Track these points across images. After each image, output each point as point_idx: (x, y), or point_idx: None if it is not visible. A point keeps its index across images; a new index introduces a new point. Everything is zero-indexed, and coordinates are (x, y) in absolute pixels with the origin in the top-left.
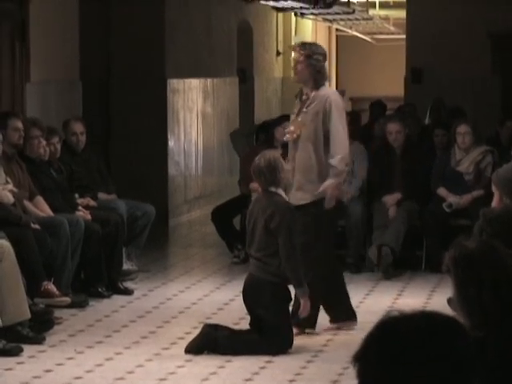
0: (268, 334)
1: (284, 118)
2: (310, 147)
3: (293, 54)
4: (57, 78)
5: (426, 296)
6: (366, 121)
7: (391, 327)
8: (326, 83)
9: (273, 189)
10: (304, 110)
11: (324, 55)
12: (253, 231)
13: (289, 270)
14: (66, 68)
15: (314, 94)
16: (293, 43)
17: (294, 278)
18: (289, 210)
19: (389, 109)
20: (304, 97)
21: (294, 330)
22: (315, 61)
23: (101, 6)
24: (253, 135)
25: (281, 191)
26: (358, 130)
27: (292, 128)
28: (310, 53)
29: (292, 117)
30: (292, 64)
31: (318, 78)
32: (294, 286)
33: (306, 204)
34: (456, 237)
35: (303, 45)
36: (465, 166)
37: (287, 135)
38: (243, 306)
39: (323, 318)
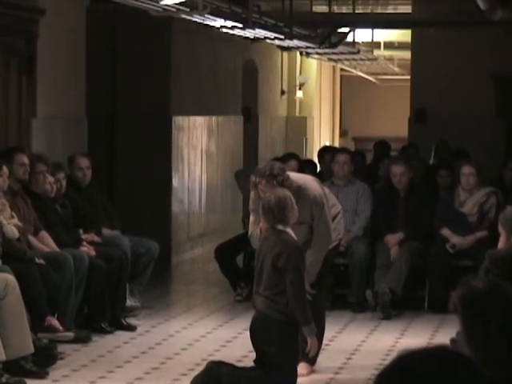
0: (272, 371)
1: (289, 157)
2: (305, 227)
3: (261, 186)
4: (63, 114)
5: (429, 336)
6: (369, 161)
7: (403, 364)
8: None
9: (280, 227)
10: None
11: (283, 170)
12: (261, 269)
13: (296, 309)
14: (72, 104)
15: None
16: (298, 82)
17: (301, 316)
18: (296, 249)
19: (393, 149)
20: None
21: (305, 370)
22: (287, 183)
23: (108, 44)
24: None
25: (289, 230)
26: (363, 170)
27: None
28: (281, 180)
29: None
30: (263, 194)
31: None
32: (301, 325)
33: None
34: (459, 277)
35: (271, 175)
36: (469, 207)
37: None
38: (246, 343)
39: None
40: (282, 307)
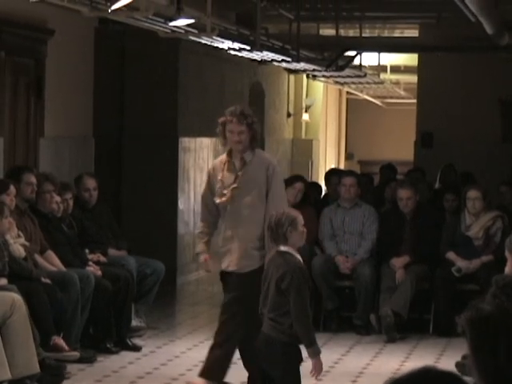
0: None
1: (296, 179)
2: (256, 215)
3: (231, 124)
4: (70, 134)
5: (434, 360)
6: (375, 184)
7: None
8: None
9: (284, 248)
10: (239, 173)
11: (253, 114)
12: (267, 291)
13: (299, 330)
14: (79, 124)
15: (251, 158)
16: (304, 104)
17: (305, 337)
18: (299, 270)
19: (399, 173)
20: (239, 162)
21: None
22: (255, 129)
23: (116, 65)
24: None
25: (293, 251)
26: (369, 193)
27: (226, 192)
28: (251, 121)
29: (219, 183)
30: (230, 134)
31: (255, 143)
32: (305, 346)
33: (253, 270)
34: (464, 301)
35: (242, 114)
36: (474, 231)
37: (221, 199)
38: None
39: None
40: (286, 328)
